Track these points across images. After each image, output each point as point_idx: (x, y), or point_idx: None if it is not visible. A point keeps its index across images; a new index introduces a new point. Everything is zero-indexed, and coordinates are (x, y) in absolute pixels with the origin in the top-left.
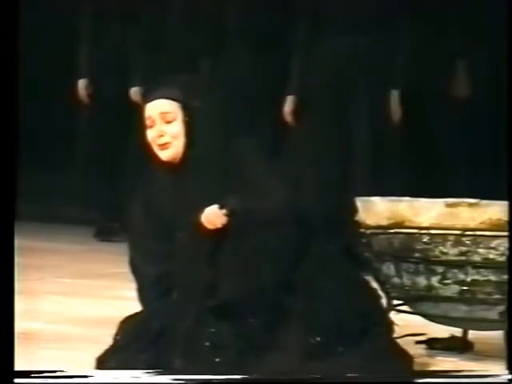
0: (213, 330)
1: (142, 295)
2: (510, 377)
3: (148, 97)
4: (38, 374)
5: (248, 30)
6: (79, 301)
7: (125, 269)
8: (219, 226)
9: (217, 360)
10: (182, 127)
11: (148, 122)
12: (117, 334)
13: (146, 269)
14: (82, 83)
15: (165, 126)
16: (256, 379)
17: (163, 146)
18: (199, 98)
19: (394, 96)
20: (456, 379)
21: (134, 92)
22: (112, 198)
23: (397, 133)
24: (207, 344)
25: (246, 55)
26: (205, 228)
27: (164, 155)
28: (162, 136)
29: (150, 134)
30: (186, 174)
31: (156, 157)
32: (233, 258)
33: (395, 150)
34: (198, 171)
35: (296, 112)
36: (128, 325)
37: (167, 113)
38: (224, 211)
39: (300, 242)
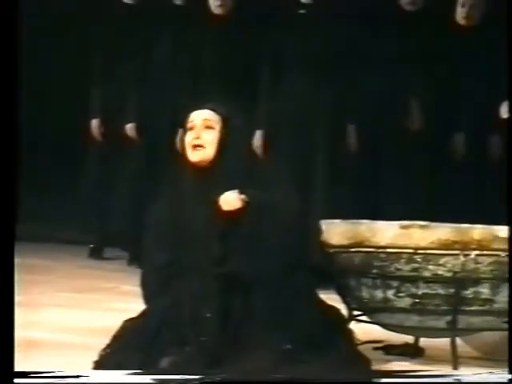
0: (209, 314)
1: (148, 278)
2: (510, 376)
3: (195, 107)
4: (36, 374)
5: (222, 73)
6: (76, 312)
7: (116, 284)
8: (234, 208)
9: (202, 339)
10: (217, 137)
11: (189, 125)
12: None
13: (156, 255)
14: (95, 123)
15: (203, 131)
16: (250, 380)
17: (196, 148)
18: (237, 117)
19: (351, 130)
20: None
21: (130, 128)
22: (105, 221)
23: (353, 162)
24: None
25: (220, 95)
26: (220, 209)
27: (194, 156)
28: (198, 138)
29: (189, 136)
30: (210, 180)
31: (186, 159)
32: (241, 239)
33: (351, 177)
34: (221, 177)
35: (265, 145)
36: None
37: (208, 120)
38: (242, 196)
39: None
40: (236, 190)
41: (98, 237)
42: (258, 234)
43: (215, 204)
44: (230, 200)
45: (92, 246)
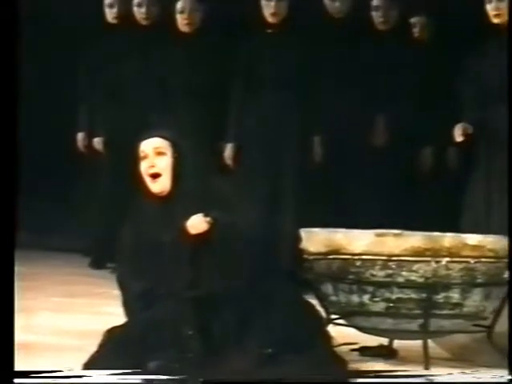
0: (190, 332)
1: (128, 307)
2: (510, 377)
3: (144, 135)
4: (36, 374)
5: (191, 88)
6: (68, 316)
7: (106, 289)
8: (201, 231)
9: (189, 355)
10: (171, 162)
11: (142, 155)
12: (101, 342)
13: (133, 284)
14: (80, 136)
15: (156, 159)
16: (237, 380)
17: (154, 177)
18: (186, 138)
19: (316, 142)
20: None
21: (97, 142)
22: (104, 231)
23: (319, 172)
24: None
25: (190, 110)
26: (188, 233)
27: (154, 188)
28: (153, 167)
29: (143, 166)
30: (172, 204)
31: (147, 189)
32: (211, 259)
33: (317, 187)
34: (183, 202)
35: (235, 157)
36: (112, 334)
37: (159, 147)
38: (208, 219)
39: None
40: (201, 214)
41: (95, 246)
42: (226, 251)
43: (183, 229)
44: (197, 224)
45: (93, 256)
